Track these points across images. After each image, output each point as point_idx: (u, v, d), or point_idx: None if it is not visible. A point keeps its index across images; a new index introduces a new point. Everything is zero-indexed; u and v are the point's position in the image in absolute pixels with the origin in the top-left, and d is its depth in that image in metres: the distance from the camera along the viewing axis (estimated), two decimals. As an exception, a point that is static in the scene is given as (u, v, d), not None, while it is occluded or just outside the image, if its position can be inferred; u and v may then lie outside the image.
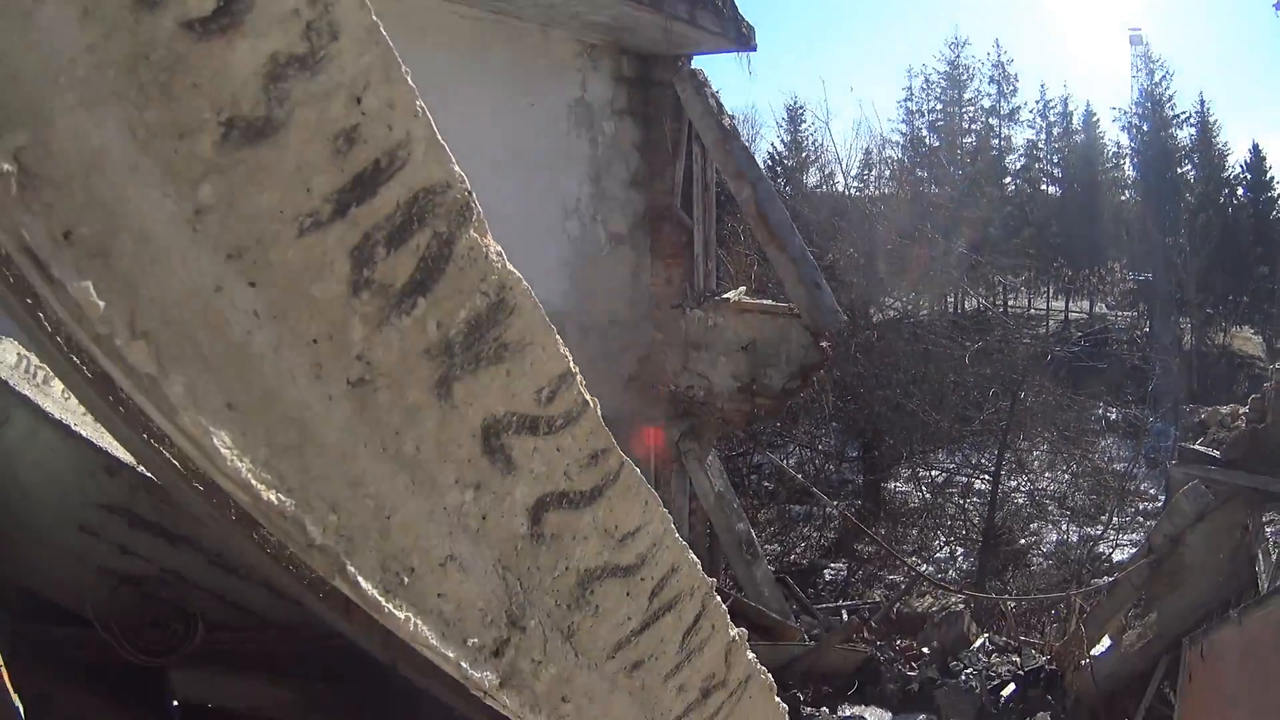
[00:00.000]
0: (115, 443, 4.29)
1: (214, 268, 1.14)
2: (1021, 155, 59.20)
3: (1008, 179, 57.06)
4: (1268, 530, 8.91)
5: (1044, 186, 58.60)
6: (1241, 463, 9.94)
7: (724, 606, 2.39)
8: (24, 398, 3.99)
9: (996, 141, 58.36)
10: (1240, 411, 12.07)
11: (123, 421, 2.96)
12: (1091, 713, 9.92)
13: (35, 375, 4.19)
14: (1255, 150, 50.36)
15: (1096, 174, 56.23)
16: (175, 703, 4.21)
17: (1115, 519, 19.98)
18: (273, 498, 1.21)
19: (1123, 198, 55.71)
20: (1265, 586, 8.06)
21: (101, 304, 1.06)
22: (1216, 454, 10.38)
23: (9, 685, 2.07)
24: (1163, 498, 19.64)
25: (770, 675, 2.86)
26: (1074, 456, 21.50)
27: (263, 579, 5.11)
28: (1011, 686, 10.43)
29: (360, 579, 1.34)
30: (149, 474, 4.35)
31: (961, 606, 12.36)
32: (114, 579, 4.25)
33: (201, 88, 1.11)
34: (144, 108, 1.08)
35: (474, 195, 1.40)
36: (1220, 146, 52.61)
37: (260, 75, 1.14)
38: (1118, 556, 17.64)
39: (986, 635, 11.90)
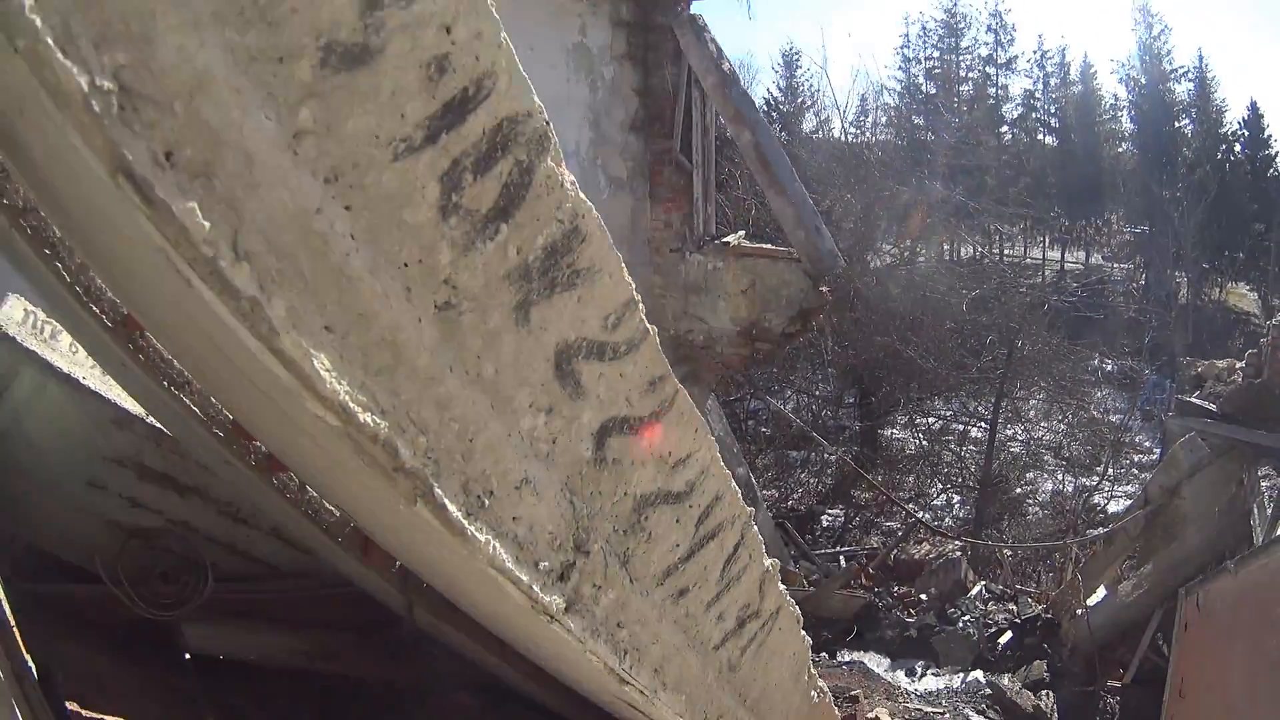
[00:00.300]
0: (125, 395, 4.31)
1: (313, 191, 1.16)
2: (1019, 105, 58.99)
3: (1004, 128, 56.88)
4: (1263, 484, 8.96)
5: (1041, 136, 58.41)
6: (1238, 417, 10.03)
7: (760, 536, 2.44)
8: (32, 353, 4.01)
9: (993, 90, 58.07)
10: (1237, 366, 12.14)
11: (142, 369, 2.95)
12: (1087, 661, 10.03)
13: (42, 330, 4.20)
14: (1253, 108, 50.29)
15: (1094, 125, 56.06)
16: (188, 656, 4.25)
17: (1110, 470, 20.21)
18: (368, 420, 1.24)
19: (1120, 150, 55.58)
20: (1260, 539, 8.14)
21: (206, 225, 1.07)
22: (1213, 407, 10.49)
23: (21, 645, 2.09)
24: (1158, 450, 19.84)
25: (797, 608, 2.93)
26: (1070, 407, 21.71)
27: (272, 527, 5.16)
28: (1008, 634, 10.56)
29: (447, 502, 1.38)
30: (161, 426, 4.38)
31: (958, 554, 12.50)
32: (123, 533, 4.28)
33: (300, 13, 1.12)
34: (244, 31, 1.10)
35: (551, 125, 1.43)
36: (1218, 103, 52.57)
37: (357, 2, 1.16)
38: (1113, 508, 17.85)
39: (983, 583, 12.06)
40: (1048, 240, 49.71)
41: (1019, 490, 19.35)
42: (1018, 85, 59.34)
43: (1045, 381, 21.58)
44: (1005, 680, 9.39)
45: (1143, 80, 53.13)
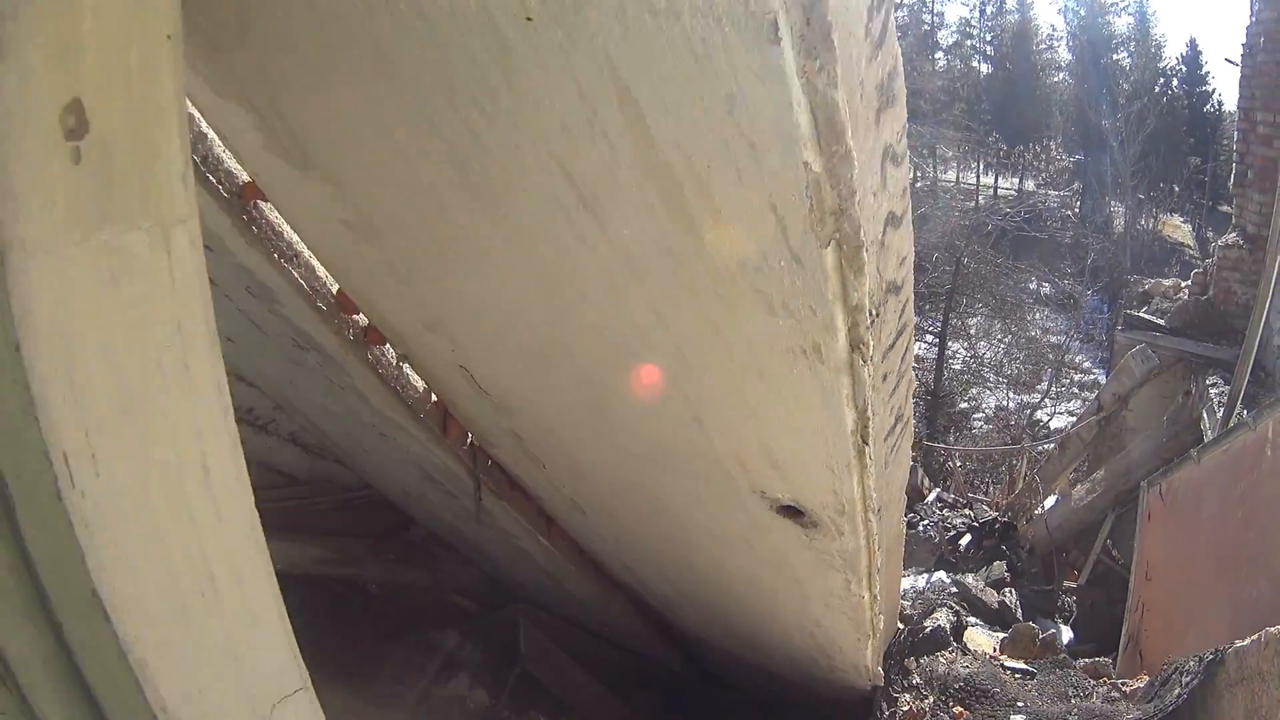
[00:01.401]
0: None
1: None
2: (954, 32, 59.61)
3: (939, 54, 57.58)
4: (1212, 392, 9.61)
5: (975, 63, 59.14)
6: (1185, 331, 10.74)
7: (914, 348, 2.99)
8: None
9: (929, 17, 58.58)
10: (1182, 285, 12.91)
11: (249, 243, 3.22)
12: (1044, 562, 10.79)
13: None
14: (1192, 44, 51.41)
15: (1030, 54, 56.90)
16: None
17: (1053, 388, 21.18)
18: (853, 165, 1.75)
19: (1056, 79, 56.58)
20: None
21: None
22: (1161, 322, 11.20)
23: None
24: (1098, 370, 20.84)
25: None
26: (1009, 328, 22.60)
27: (290, 434, 5.44)
28: (968, 537, 11.35)
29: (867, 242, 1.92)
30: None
31: (913, 462, 13.11)
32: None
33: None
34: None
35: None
36: (1157, 38, 53.75)
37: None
38: (1055, 424, 18.78)
39: (938, 490, 12.76)
40: (982, 165, 50.66)
41: (964, 404, 20.21)
42: (954, 12, 59.99)
43: (988, 300, 22.38)
44: (969, 579, 10.07)
45: (1081, 11, 54.12)
